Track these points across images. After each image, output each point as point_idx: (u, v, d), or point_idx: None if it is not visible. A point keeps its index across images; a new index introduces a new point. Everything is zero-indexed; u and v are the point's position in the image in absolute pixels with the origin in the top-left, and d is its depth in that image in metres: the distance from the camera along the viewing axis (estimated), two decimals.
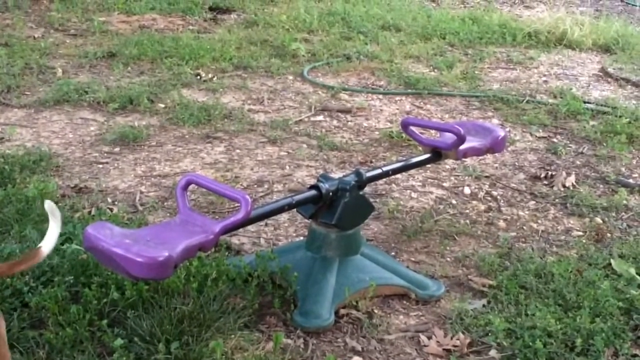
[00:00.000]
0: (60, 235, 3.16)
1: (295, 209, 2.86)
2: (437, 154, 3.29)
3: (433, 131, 3.85)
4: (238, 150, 4.30)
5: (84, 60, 5.91)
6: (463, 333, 2.68)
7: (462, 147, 3.21)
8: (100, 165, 4.07)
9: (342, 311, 2.81)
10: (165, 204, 3.66)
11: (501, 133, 3.41)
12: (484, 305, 2.89)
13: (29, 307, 2.69)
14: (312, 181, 3.89)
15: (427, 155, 3.28)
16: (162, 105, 4.94)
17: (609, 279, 3.01)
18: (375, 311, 2.84)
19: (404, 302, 2.92)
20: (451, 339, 2.67)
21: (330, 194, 2.83)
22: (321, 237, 2.91)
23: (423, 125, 3.63)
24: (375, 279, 2.88)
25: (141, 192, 3.77)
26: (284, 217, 3.53)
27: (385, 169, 3.11)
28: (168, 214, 3.54)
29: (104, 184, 3.81)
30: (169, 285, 2.73)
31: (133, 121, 4.68)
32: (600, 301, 2.82)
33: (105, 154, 4.21)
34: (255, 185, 3.88)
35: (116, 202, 3.65)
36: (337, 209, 2.85)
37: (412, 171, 4.08)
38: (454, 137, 3.19)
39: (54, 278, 2.83)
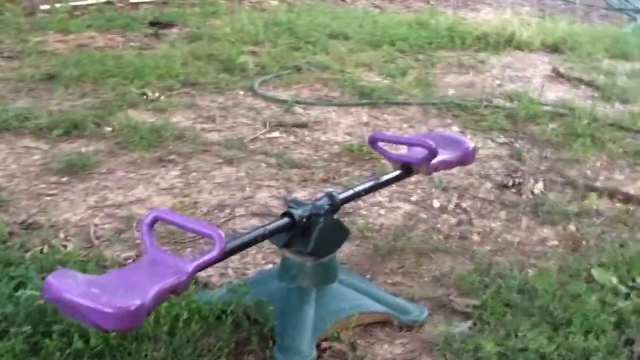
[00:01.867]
0: (12, 278, 2.96)
1: (269, 240, 2.70)
2: (408, 170, 3.16)
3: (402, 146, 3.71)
4: (194, 173, 4.11)
5: (22, 83, 5.62)
6: None
7: (433, 161, 3.09)
8: (49, 198, 3.83)
9: (324, 344, 2.65)
10: (123, 236, 3.44)
11: (471, 145, 3.29)
12: (470, 328, 2.76)
13: None
14: (275, 203, 3.75)
15: (397, 172, 3.14)
16: (109, 129, 4.71)
17: (593, 291, 2.92)
18: (358, 342, 2.68)
19: (387, 329, 2.77)
20: None
21: (304, 220, 2.67)
22: (296, 266, 2.75)
23: (392, 140, 3.50)
24: (356, 307, 2.73)
25: (95, 225, 3.55)
26: None
27: (357, 189, 2.96)
28: (127, 247, 3.33)
29: (54, 218, 3.58)
30: (138, 330, 2.53)
31: (79, 147, 4.44)
32: (589, 316, 2.71)
33: (53, 185, 3.97)
34: (216, 210, 3.69)
35: (69, 238, 3.42)
36: (311, 236, 2.69)
37: None
38: (425, 152, 3.06)
39: (9, 329, 2.61)
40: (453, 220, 3.62)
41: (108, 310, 2.03)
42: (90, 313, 2.04)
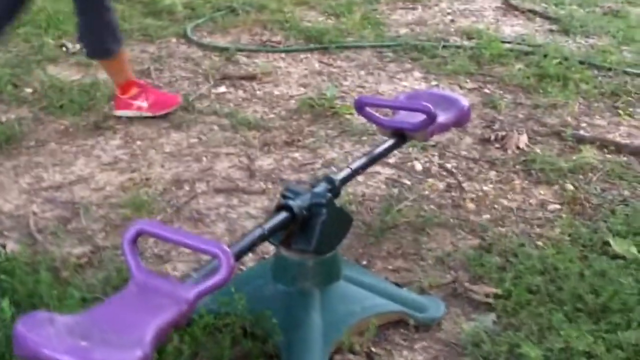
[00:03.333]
0: None
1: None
2: (401, 137, 2.76)
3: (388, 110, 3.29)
4: (139, 142, 3.60)
5: None
6: None
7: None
8: None
9: (337, 357, 2.27)
10: (69, 226, 2.95)
11: (465, 103, 2.91)
12: (494, 322, 2.43)
13: None
14: (239, 174, 3.34)
15: (392, 141, 2.74)
16: (30, 90, 4.12)
17: (619, 267, 2.63)
18: (374, 350, 2.32)
19: (402, 330, 2.41)
20: None
21: (304, 212, 2.25)
22: (294, 266, 2.34)
23: (383, 105, 3.08)
24: (368, 309, 2.36)
25: (34, 214, 3.03)
26: (222, 230, 2.92)
27: (354, 167, 2.55)
28: (76, 241, 2.85)
29: None
30: None
31: None
32: (628, 301, 2.42)
33: None
34: (174, 188, 3.22)
35: (5, 233, 2.91)
36: (314, 231, 2.27)
37: (349, 148, 3.55)
38: (420, 116, 2.67)
39: None
40: (441, 185, 3.26)
41: None
42: None
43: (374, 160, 2.70)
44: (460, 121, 2.89)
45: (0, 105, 3.96)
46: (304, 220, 2.26)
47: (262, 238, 2.15)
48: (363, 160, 2.63)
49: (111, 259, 2.70)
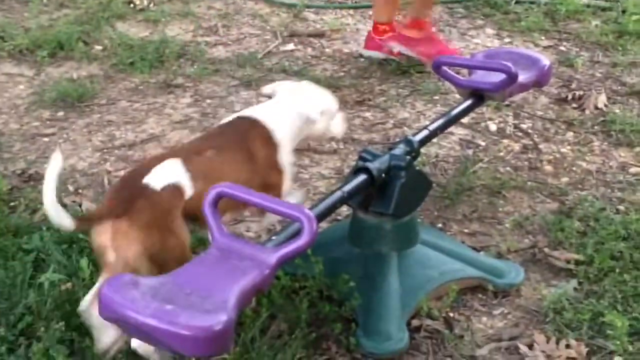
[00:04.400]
0: (26, 253, 2.48)
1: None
2: (479, 97, 2.69)
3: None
4: (209, 100, 3.59)
5: None
6: (576, 340, 2.15)
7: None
8: (47, 139, 3.30)
9: (414, 322, 2.24)
10: None
11: (546, 62, 2.81)
12: (575, 289, 2.37)
13: None
14: None
15: (469, 102, 2.67)
16: (100, 47, 4.12)
17: None
18: (452, 315, 2.28)
19: (480, 296, 2.37)
20: (559, 345, 2.14)
21: (383, 175, 2.21)
22: (372, 229, 2.30)
23: (461, 64, 3.00)
24: (447, 274, 2.32)
25: (108, 172, 3.05)
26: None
27: (432, 128, 2.50)
28: None
29: None
30: None
31: (70, 72, 3.88)
32: None
33: (48, 122, 3.43)
34: None
35: (81, 191, 2.93)
36: (392, 194, 2.23)
37: (421, 108, 3.48)
38: (500, 76, 2.59)
39: (35, 324, 2.16)
40: (517, 147, 3.18)
41: (188, 333, 1.58)
42: (165, 337, 1.59)
43: (452, 121, 2.64)
44: (541, 81, 2.81)
45: (72, 62, 3.97)
46: (382, 183, 2.22)
47: (342, 201, 2.12)
48: (441, 121, 2.57)
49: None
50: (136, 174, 2.09)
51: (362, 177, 2.18)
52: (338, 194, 2.11)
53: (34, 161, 3.12)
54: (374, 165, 2.19)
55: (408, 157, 2.26)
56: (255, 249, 1.83)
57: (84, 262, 2.32)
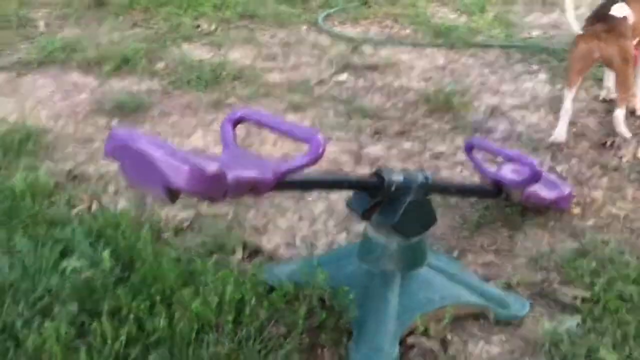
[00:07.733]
0: (57, 242, 2.63)
1: (347, 206, 2.36)
2: (497, 189, 2.79)
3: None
4: None
5: (69, 10, 5.27)
6: None
7: (528, 188, 2.76)
8: (97, 143, 3.49)
9: (410, 340, 2.28)
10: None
11: (568, 189, 2.97)
12: (578, 324, 2.37)
13: (24, 348, 2.16)
14: (345, 158, 3.38)
15: (487, 188, 2.80)
16: (162, 65, 4.34)
17: None
18: (449, 337, 2.32)
19: (481, 323, 2.40)
20: None
21: (393, 187, 2.28)
22: (380, 247, 2.37)
23: (491, 150, 3.08)
24: (448, 298, 2.36)
25: None
26: (320, 208, 2.98)
27: (448, 184, 2.65)
28: (182, 207, 2.97)
29: (103, 168, 3.24)
30: (198, 315, 2.20)
31: (130, 85, 4.09)
32: None
33: (103, 128, 3.62)
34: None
35: (119, 193, 3.09)
36: (399, 207, 2.30)
37: (460, 144, 3.53)
38: (525, 175, 2.68)
39: (53, 305, 2.30)
40: None
41: (184, 166, 1.80)
42: (163, 168, 1.80)
43: (466, 191, 2.81)
44: (559, 203, 2.95)
45: (134, 77, 4.19)
46: (392, 195, 2.29)
47: (349, 184, 2.33)
48: (459, 185, 2.70)
49: (210, 226, 2.82)
50: (605, 9, 3.54)
51: (371, 179, 2.28)
52: (343, 177, 2.22)
53: (82, 163, 3.31)
54: (387, 175, 2.28)
55: (421, 180, 2.32)
56: (261, 160, 2.15)
57: (106, 254, 2.45)
